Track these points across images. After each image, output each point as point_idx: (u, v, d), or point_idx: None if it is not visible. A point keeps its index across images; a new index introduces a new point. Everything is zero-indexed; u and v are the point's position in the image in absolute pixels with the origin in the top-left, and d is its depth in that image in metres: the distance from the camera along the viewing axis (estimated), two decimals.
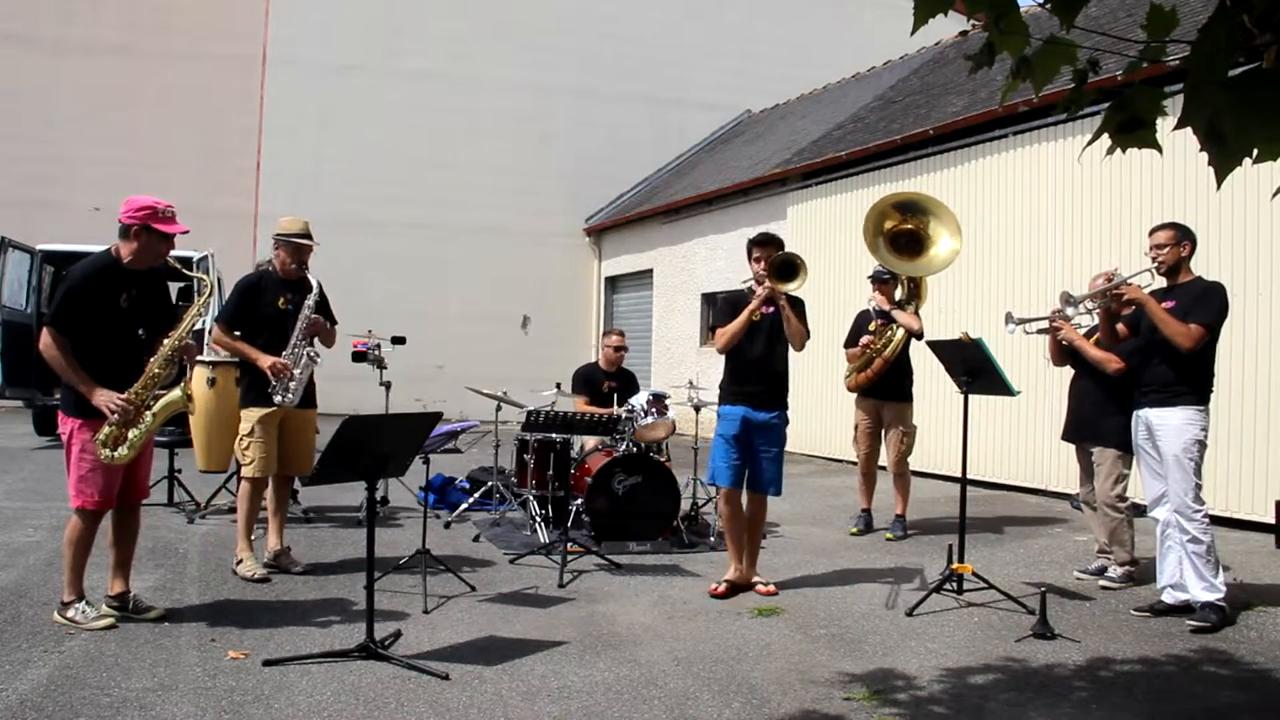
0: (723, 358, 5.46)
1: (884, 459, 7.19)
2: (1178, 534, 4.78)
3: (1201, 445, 4.80)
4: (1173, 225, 5.06)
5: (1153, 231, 5.09)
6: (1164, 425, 4.82)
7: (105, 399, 4.22)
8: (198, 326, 4.74)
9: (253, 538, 5.49)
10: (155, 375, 4.38)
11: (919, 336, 6.73)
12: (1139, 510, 6.27)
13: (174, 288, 13.89)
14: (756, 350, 5.33)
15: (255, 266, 6.49)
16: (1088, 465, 5.70)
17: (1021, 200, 9.26)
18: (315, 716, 3.45)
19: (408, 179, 17.13)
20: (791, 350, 5.38)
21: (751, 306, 5.24)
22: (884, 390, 7.01)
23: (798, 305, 5.34)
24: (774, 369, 5.38)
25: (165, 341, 4.44)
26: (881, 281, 7.01)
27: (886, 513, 7.18)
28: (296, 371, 5.47)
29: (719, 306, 5.54)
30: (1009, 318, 5.58)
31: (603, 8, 18.23)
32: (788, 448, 5.51)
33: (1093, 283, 5.70)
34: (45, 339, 4.27)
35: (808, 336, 5.37)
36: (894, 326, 6.88)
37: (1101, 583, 5.54)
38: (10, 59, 16.61)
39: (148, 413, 4.33)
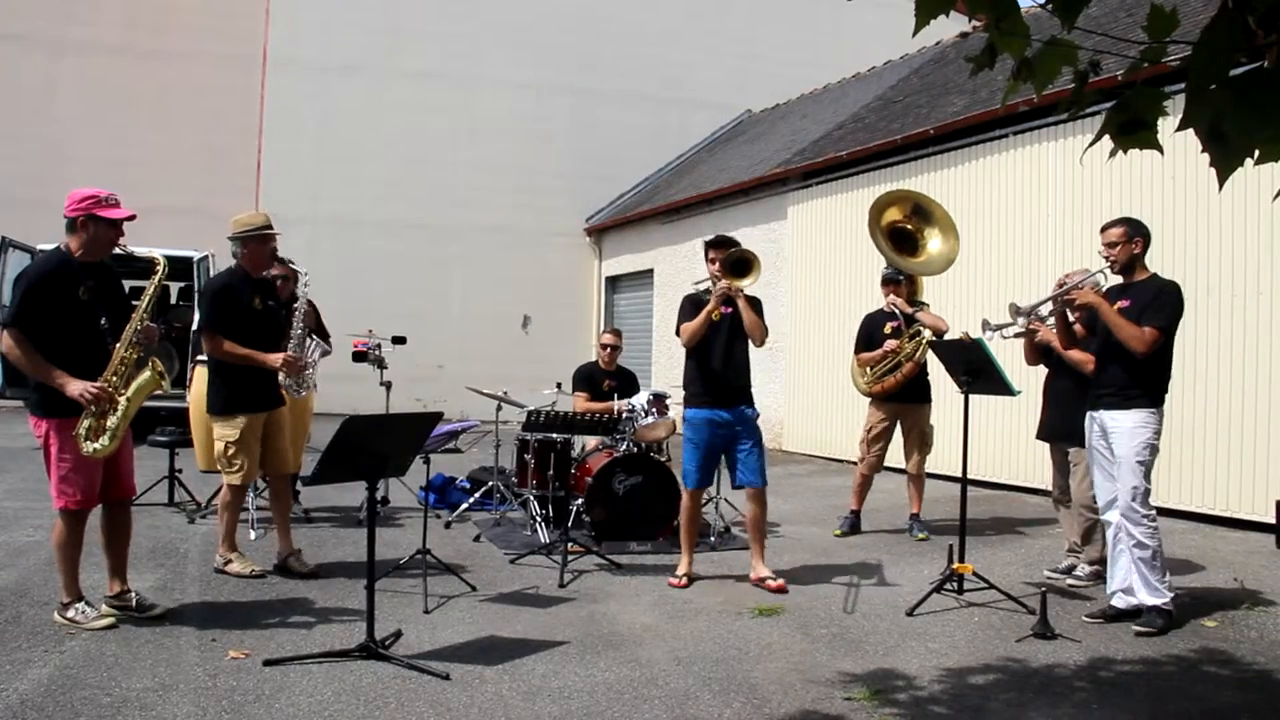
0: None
1: (893, 460, 7.16)
2: (1125, 538, 4.69)
3: (1153, 448, 4.70)
4: (1123, 221, 4.87)
5: (1104, 229, 4.91)
6: (1117, 428, 4.71)
7: (80, 388, 4.20)
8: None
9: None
10: (123, 359, 4.37)
11: (940, 337, 6.67)
12: None
13: (174, 287, 14.08)
14: (718, 349, 5.52)
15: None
16: (1062, 463, 5.70)
17: (1022, 200, 9.25)
18: (316, 716, 3.46)
19: (408, 179, 17.10)
20: (753, 346, 5.56)
21: (710, 306, 5.43)
22: (908, 393, 6.90)
23: (755, 304, 5.50)
24: (735, 366, 5.56)
25: (127, 326, 4.42)
26: (894, 283, 6.90)
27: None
28: (310, 361, 5.48)
29: (681, 306, 5.72)
30: (985, 325, 5.52)
31: (603, 8, 18.20)
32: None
33: (1057, 285, 5.66)
34: (8, 340, 4.25)
35: (766, 332, 5.57)
36: (919, 329, 6.78)
37: (1069, 581, 5.54)
38: (10, 59, 16.59)
39: (121, 399, 4.31)
